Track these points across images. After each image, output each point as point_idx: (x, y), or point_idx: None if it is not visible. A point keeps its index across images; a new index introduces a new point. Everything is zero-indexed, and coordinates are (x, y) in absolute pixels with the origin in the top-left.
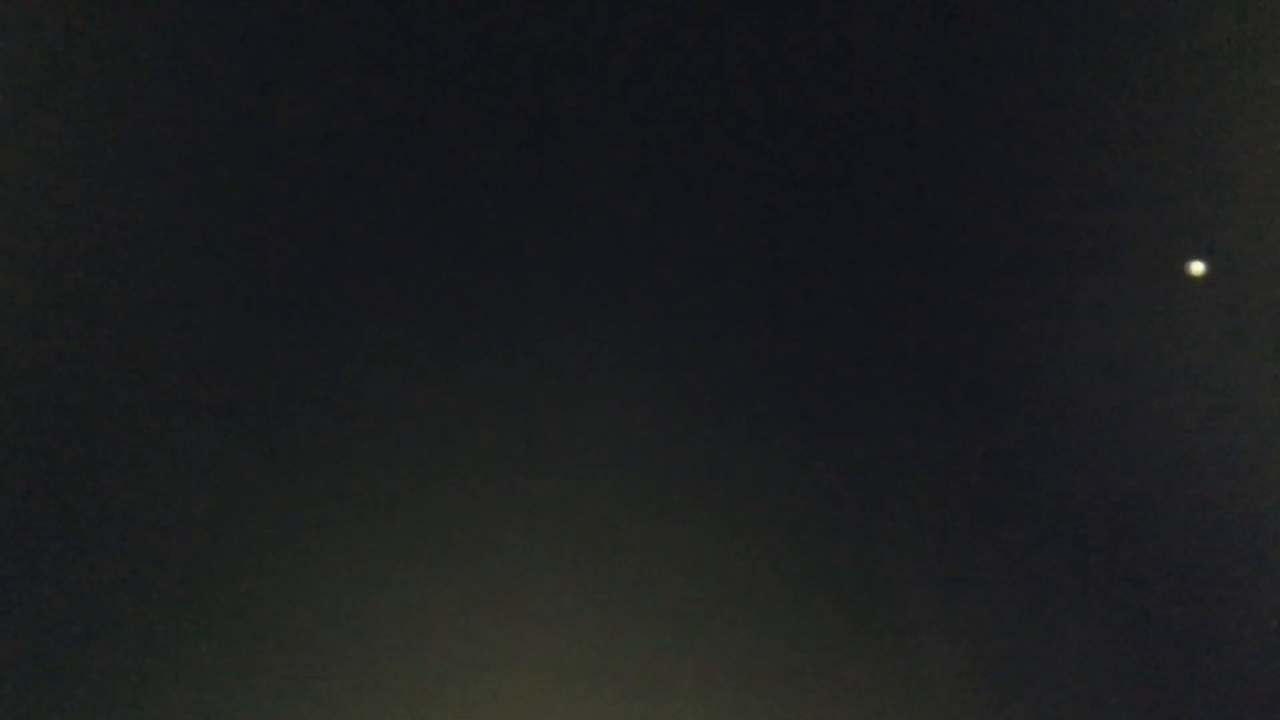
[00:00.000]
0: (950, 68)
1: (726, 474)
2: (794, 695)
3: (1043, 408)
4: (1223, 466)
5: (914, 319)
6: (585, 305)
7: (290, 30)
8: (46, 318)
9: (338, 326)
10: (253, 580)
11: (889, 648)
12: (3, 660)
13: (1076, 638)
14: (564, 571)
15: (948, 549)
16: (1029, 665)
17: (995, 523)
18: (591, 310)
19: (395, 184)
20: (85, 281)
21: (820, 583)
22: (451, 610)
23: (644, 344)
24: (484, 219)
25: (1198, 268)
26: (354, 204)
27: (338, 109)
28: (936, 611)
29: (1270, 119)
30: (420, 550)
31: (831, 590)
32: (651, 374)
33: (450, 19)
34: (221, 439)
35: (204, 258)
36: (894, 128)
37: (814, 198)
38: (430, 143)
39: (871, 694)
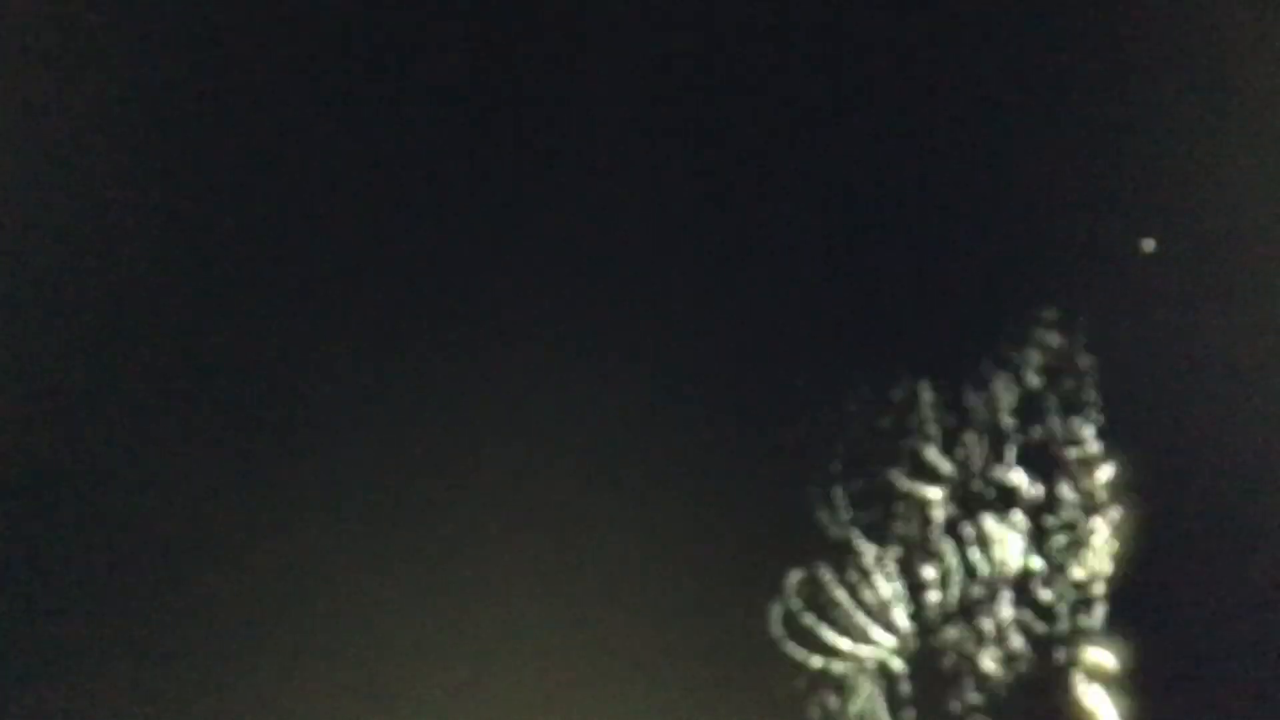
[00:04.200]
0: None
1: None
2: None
3: None
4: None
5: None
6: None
7: (287, 31)
8: (46, 319)
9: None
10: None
11: None
12: (3, 660)
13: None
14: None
15: None
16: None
17: None
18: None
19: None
20: (79, 284)
21: None
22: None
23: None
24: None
25: (1149, 245)
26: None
27: (330, 115)
28: None
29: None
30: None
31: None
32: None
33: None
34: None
35: (184, 260)
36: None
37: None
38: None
39: None
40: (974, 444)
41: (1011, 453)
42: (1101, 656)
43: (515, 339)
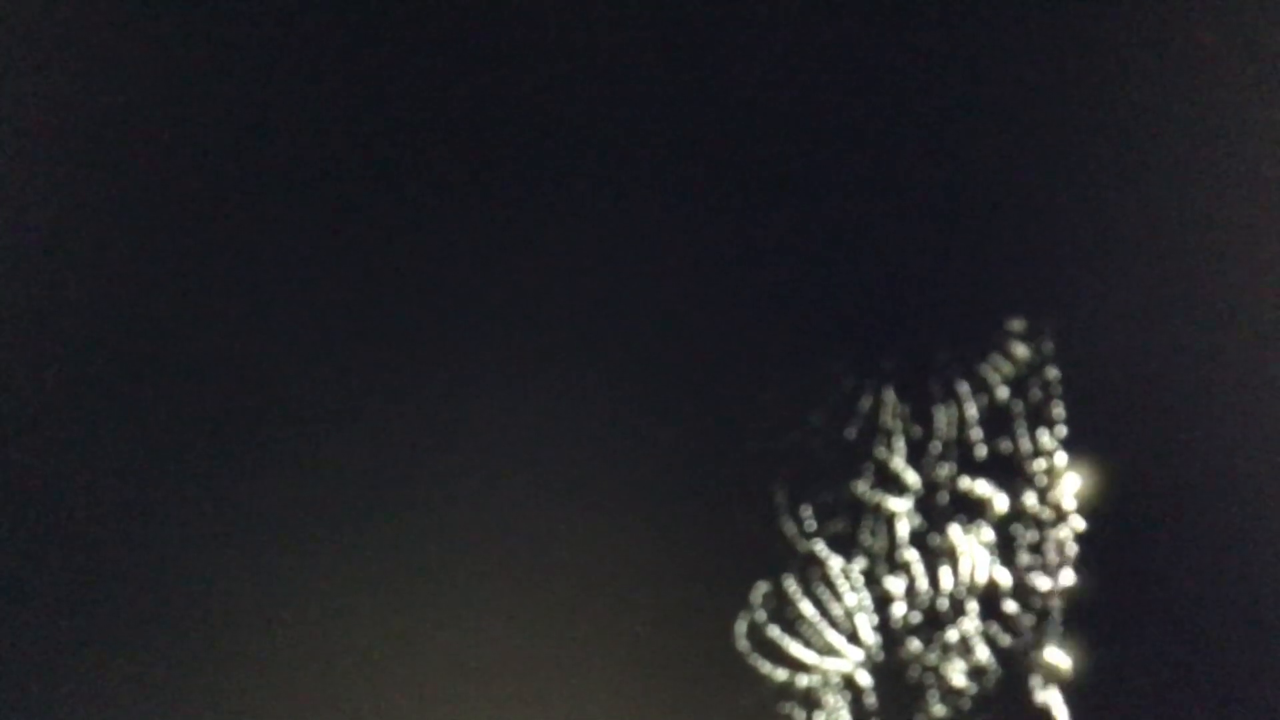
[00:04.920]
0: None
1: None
2: None
3: None
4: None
5: None
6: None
7: (281, 33)
8: (44, 321)
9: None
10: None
11: None
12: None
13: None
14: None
15: None
16: None
17: None
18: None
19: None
20: (77, 288)
21: None
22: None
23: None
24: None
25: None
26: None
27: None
28: None
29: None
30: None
31: None
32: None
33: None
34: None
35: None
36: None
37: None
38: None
39: None
40: (940, 456)
41: (978, 464)
42: (1058, 658)
43: (483, 351)
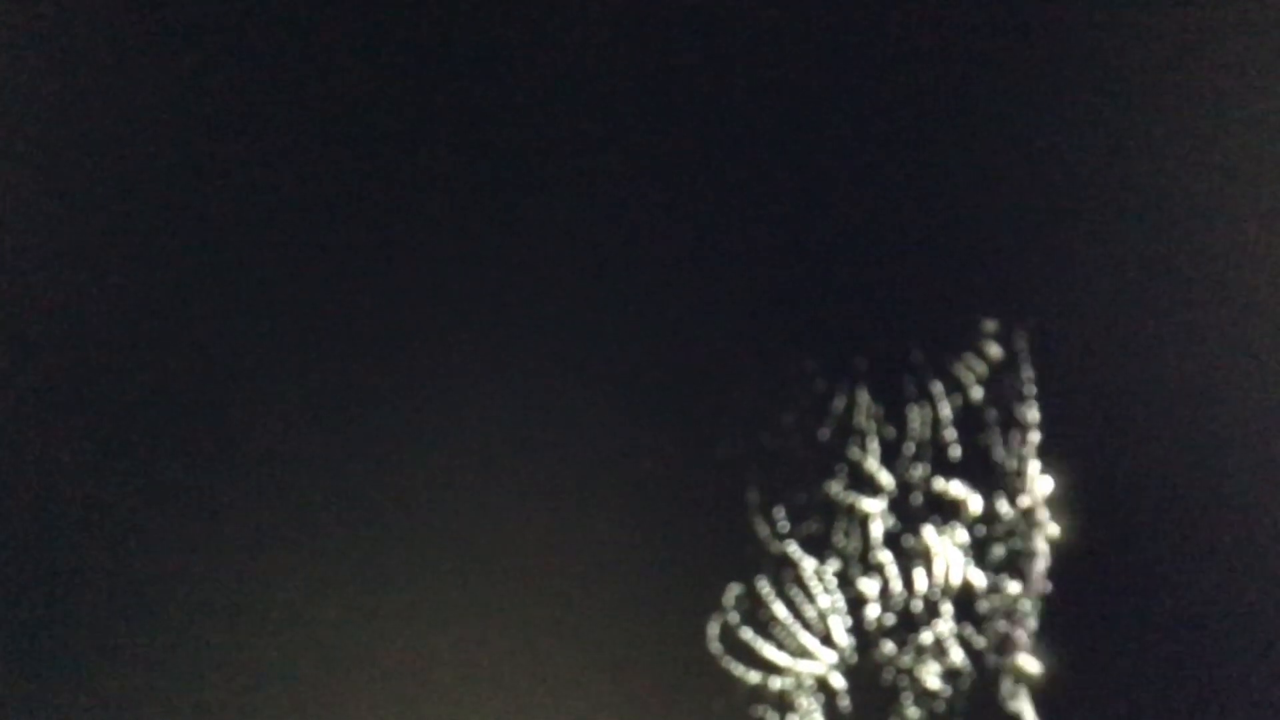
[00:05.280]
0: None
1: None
2: None
3: None
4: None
5: None
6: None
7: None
8: (46, 323)
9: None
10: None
11: None
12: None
13: None
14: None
15: None
16: None
17: None
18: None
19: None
20: (76, 289)
21: None
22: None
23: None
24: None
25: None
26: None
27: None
28: None
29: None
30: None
31: None
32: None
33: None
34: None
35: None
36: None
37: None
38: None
39: None
40: (914, 457)
41: (952, 465)
42: (1028, 663)
43: (452, 354)
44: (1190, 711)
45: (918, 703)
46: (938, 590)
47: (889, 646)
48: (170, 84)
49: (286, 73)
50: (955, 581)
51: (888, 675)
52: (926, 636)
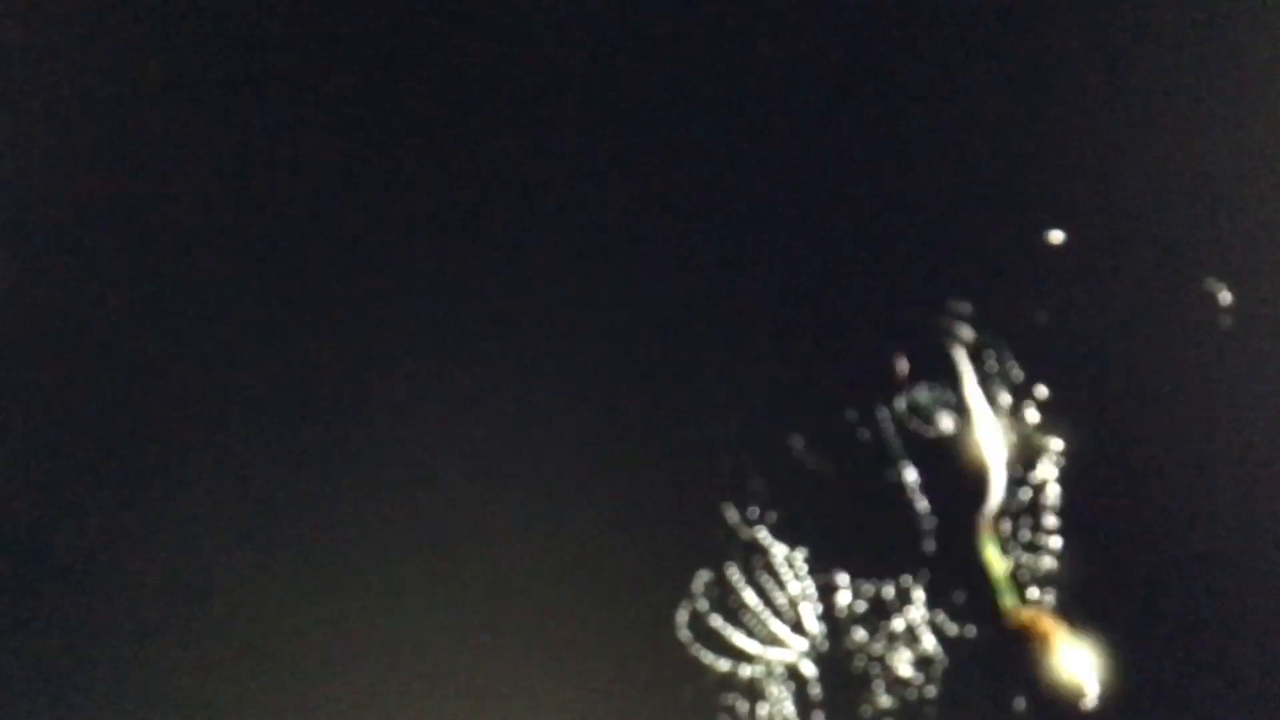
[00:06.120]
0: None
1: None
2: None
3: None
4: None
5: None
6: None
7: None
8: (48, 322)
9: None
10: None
11: None
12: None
13: None
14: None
15: None
16: None
17: None
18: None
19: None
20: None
21: None
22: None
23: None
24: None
25: (1056, 236)
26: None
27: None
28: None
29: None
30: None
31: None
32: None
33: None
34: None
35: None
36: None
37: None
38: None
39: None
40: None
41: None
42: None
43: (411, 334)
44: (1175, 693)
45: (889, 690)
46: (910, 577)
47: (860, 633)
48: (143, 77)
49: (264, 65)
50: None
51: (859, 662)
52: (898, 623)
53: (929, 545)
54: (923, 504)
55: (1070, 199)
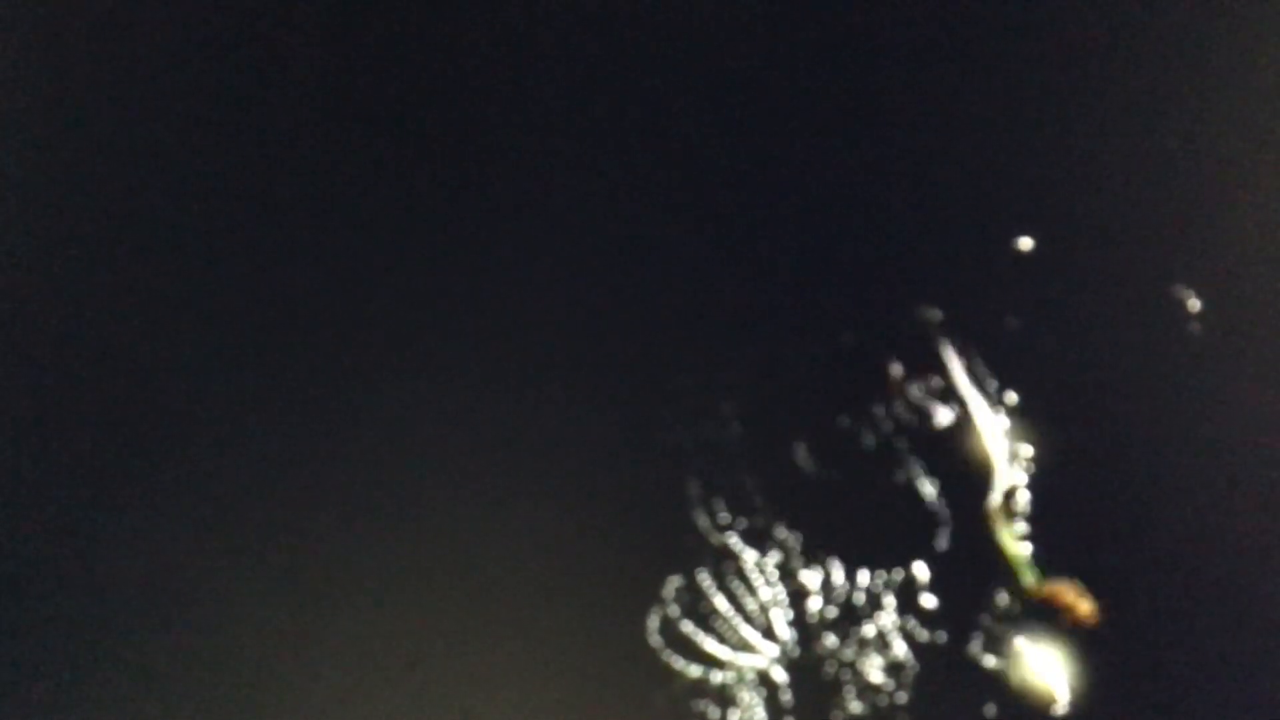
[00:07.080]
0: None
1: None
2: None
3: None
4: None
5: None
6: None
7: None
8: (49, 321)
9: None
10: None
11: None
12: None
13: None
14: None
15: None
16: None
17: None
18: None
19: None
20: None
21: None
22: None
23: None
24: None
25: (1025, 243)
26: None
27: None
28: None
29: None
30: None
31: None
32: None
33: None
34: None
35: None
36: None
37: None
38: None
39: None
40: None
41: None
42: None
43: (382, 334)
44: (1150, 697)
45: (860, 696)
46: (880, 582)
47: (831, 639)
48: (141, 78)
49: (261, 68)
50: (898, 574)
51: (830, 668)
52: (869, 629)
53: (940, 536)
54: (930, 494)
55: (1039, 206)
